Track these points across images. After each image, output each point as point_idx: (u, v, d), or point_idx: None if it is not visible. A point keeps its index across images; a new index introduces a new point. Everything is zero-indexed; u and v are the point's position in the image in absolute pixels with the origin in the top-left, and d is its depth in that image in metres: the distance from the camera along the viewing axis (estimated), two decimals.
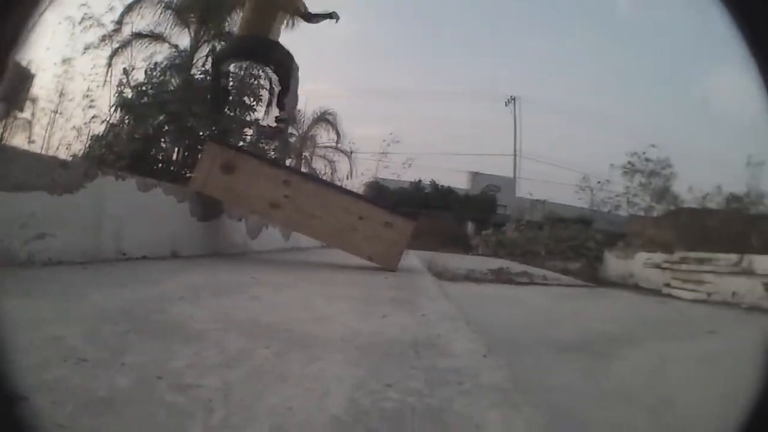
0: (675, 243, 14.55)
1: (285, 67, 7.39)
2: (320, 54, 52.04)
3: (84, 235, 4.41)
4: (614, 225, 22.17)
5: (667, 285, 12.97)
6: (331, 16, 7.52)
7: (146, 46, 12.37)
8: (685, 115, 54.11)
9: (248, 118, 10.72)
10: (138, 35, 12.42)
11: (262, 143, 11.03)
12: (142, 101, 9.95)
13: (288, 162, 18.66)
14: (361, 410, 1.94)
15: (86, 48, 11.40)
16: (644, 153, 18.40)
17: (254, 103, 10.73)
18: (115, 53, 12.14)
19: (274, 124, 8.57)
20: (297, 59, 7.58)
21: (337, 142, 26.45)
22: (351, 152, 27.23)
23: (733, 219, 15.85)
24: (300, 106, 18.43)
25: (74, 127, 10.46)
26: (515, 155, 34.86)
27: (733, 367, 5.11)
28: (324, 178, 21.15)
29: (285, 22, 7.87)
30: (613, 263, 17.29)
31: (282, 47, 7.30)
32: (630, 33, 64.18)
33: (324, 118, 25.64)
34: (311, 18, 7.52)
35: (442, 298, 6.08)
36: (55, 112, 11.12)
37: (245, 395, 1.63)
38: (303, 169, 21.58)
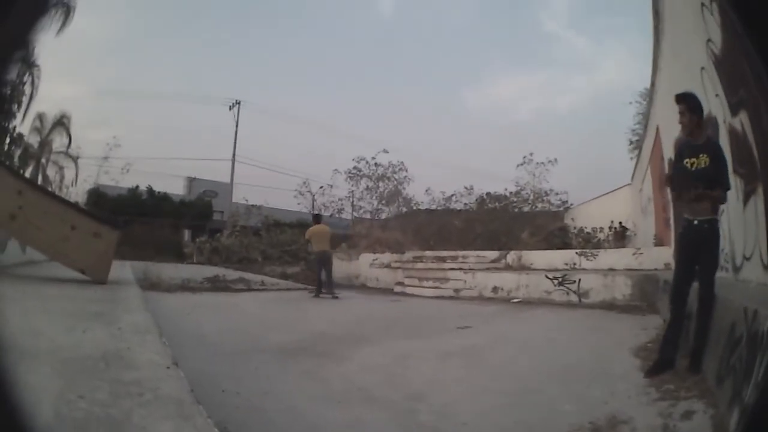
0: (406, 243, 15.36)
1: None
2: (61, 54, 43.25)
3: None
4: (337, 228, 22.85)
5: (400, 284, 13.43)
6: None
7: None
8: (444, 122, 59.44)
9: None
10: None
11: None
12: None
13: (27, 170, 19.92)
14: (62, 418, 2.38)
15: None
16: (373, 158, 19.21)
17: None
18: None
19: None
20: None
21: (68, 148, 26.14)
22: (77, 157, 27.05)
23: (487, 218, 17.47)
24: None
25: None
26: (233, 160, 33.50)
27: (487, 361, 5.18)
28: (52, 186, 22.02)
29: None
30: (336, 265, 17.48)
31: None
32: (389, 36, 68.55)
33: (61, 123, 25.21)
34: None
35: (142, 311, 6.53)
36: None
37: None
38: (39, 177, 22.18)
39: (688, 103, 4.38)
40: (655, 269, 9.34)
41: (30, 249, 10.62)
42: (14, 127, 18.90)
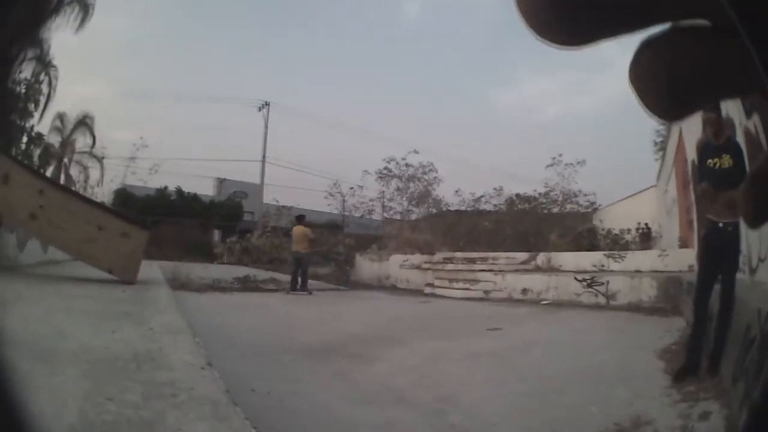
0: (436, 244, 15.58)
1: None
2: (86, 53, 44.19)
3: None
4: (368, 229, 23.07)
5: (430, 285, 13.68)
6: None
7: None
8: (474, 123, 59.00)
9: None
10: None
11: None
12: None
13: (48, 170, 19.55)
14: (88, 421, 2.21)
15: None
16: (404, 159, 19.42)
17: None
18: None
19: None
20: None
21: (92, 148, 26.23)
22: (102, 158, 27.18)
23: (516, 219, 17.56)
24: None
25: None
26: (263, 161, 33.99)
27: (516, 363, 5.38)
28: (76, 186, 21.97)
29: None
30: (366, 266, 17.79)
31: None
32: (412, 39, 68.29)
33: (84, 123, 25.24)
34: None
35: (172, 311, 6.40)
36: None
37: None
38: (61, 177, 22.11)
39: None
40: (680, 271, 9.43)
41: (52, 248, 10.53)
42: (32, 127, 18.52)
